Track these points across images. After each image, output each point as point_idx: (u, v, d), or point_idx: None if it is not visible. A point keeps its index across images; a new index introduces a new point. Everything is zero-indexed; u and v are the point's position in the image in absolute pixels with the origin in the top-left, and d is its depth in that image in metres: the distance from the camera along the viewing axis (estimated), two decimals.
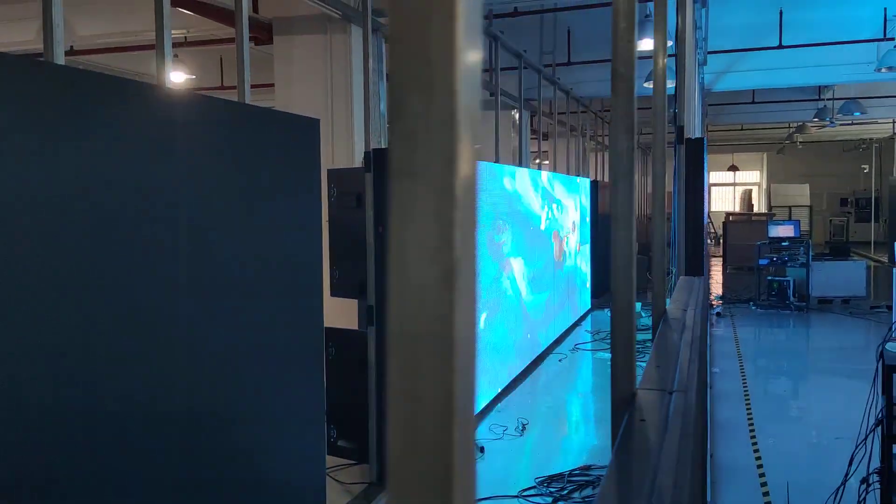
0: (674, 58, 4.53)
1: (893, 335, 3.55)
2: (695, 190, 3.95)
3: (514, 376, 6.64)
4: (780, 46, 9.22)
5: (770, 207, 21.03)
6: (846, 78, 10.68)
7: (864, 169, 24.64)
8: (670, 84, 4.40)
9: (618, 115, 1.32)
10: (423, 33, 0.40)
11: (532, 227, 7.49)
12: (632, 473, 0.95)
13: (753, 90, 13.60)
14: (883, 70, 9.00)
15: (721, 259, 17.13)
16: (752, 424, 5.72)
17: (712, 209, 26.44)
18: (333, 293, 4.58)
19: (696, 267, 3.86)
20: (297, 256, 3.39)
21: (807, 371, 8.38)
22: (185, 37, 7.69)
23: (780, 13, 9.10)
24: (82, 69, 2.42)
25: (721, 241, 18.30)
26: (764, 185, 26.69)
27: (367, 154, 4.35)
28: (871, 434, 3.50)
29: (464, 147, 0.41)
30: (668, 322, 2.06)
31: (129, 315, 2.30)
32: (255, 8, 6.24)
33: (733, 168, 26.74)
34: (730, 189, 28.56)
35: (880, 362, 3.45)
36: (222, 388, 2.82)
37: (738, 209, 26.28)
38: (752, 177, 28.30)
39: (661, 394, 1.32)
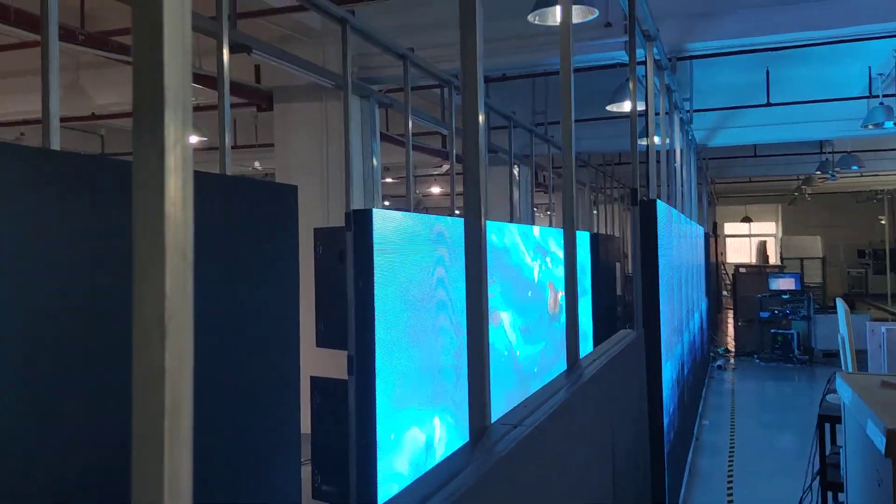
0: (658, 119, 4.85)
1: (833, 386, 3.75)
2: (649, 249, 4.22)
3: None
4: (769, 104, 9.52)
5: (782, 259, 21.11)
6: (837, 133, 10.95)
7: (881, 220, 24.70)
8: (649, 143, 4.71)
9: (468, 203, 1.62)
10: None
11: (523, 280, 7.76)
12: (425, 483, 1.21)
13: (755, 145, 13.91)
14: (870, 126, 9.27)
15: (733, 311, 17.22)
16: (731, 475, 5.86)
17: (727, 260, 26.55)
18: (319, 344, 4.86)
19: (650, 321, 4.11)
20: (274, 312, 3.70)
21: (799, 425, 8.45)
22: (197, 102, 8.19)
23: (767, 72, 9.43)
24: (66, 152, 2.76)
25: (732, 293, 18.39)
26: (780, 236, 26.78)
27: (347, 214, 4.67)
28: (815, 481, 3.69)
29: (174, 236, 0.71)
30: (570, 370, 2.32)
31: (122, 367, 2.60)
32: (257, 78, 6.70)
33: (747, 219, 26.88)
34: (746, 240, 28.68)
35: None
36: (206, 423, 3.10)
37: (754, 261, 26.35)
38: (767, 228, 28.42)
39: (507, 427, 1.59)
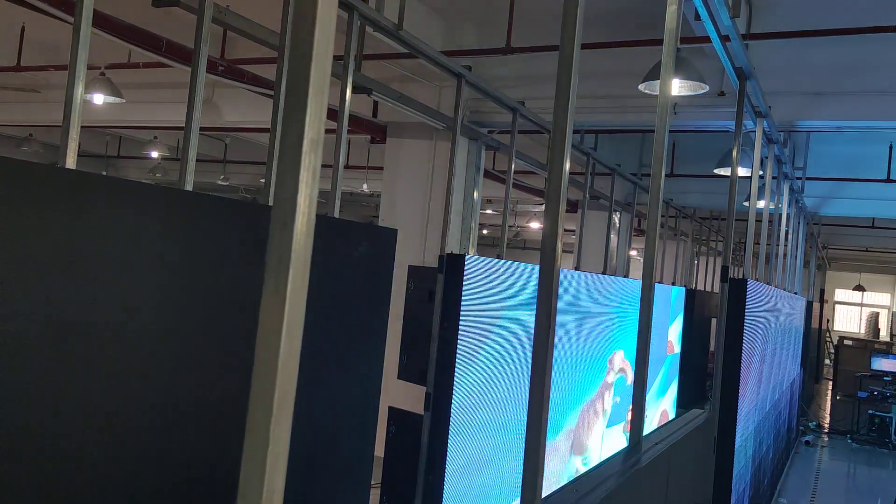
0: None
1: None
2: (734, 331, 4.22)
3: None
4: (889, 180, 9.19)
5: (892, 336, 20.02)
6: None
7: None
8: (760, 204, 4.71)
9: (543, 281, 1.78)
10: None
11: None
12: None
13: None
14: None
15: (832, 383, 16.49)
16: None
17: (835, 328, 25.34)
18: (400, 376, 5.08)
19: (727, 403, 4.12)
20: (361, 344, 3.94)
21: None
22: None
23: (891, 147, 9.12)
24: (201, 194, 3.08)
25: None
26: (894, 310, 25.39)
27: (441, 257, 4.88)
28: None
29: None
30: (631, 450, 2.43)
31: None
32: (374, 112, 7.05)
33: (860, 288, 25.62)
34: (856, 309, 27.29)
35: None
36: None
37: (863, 331, 25.05)
38: (881, 299, 26.97)
39: None
